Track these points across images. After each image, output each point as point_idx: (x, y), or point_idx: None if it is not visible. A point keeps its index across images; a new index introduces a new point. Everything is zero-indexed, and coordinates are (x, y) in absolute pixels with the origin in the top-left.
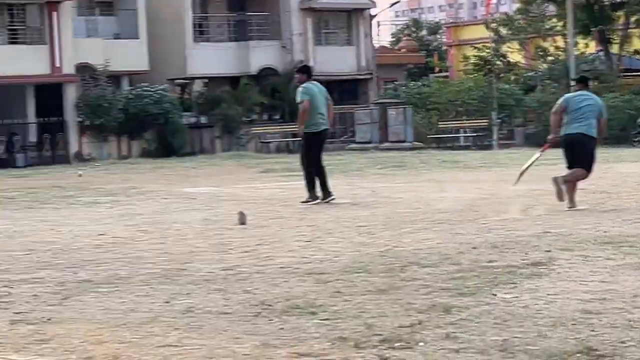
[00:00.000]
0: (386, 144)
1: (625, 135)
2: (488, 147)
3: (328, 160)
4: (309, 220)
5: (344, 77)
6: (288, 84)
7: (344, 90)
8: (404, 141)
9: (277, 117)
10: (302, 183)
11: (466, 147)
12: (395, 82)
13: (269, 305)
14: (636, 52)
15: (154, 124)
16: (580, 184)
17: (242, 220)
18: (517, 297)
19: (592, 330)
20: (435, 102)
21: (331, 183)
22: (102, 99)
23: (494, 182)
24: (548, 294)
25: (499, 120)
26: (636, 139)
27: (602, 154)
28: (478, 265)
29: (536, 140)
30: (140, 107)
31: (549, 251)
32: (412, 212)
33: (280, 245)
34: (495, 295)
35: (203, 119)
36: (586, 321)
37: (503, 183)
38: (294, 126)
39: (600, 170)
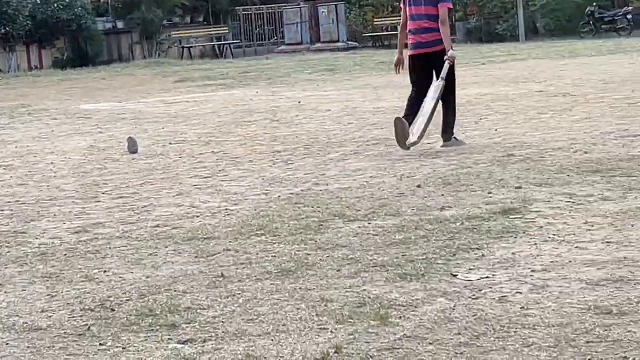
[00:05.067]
0: (318, 45)
1: (573, 26)
2: None
3: (253, 65)
4: (215, 145)
5: None
6: None
7: None
8: (337, 41)
9: (201, 19)
10: (218, 94)
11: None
12: None
13: (111, 310)
14: None
15: (67, 31)
16: (537, 87)
17: (133, 149)
18: (487, 278)
19: (624, 358)
20: None
21: (252, 93)
22: (6, 6)
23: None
24: (533, 271)
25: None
26: (584, 30)
27: (554, 48)
28: (426, 218)
29: (478, 35)
30: (50, 12)
31: (519, 188)
32: (342, 129)
33: (169, 185)
34: (456, 276)
35: (120, 24)
36: (608, 334)
37: None
38: (219, 29)
39: (557, 68)
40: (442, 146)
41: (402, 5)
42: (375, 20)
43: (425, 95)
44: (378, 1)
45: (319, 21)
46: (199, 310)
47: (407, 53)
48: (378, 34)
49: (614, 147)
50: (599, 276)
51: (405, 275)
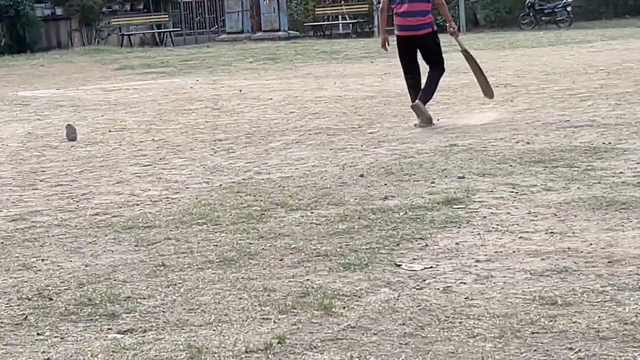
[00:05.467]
0: (259, 34)
1: (513, 18)
2: (369, 34)
3: (194, 53)
4: (156, 133)
5: None
6: None
7: None
8: (278, 30)
9: (141, 7)
10: (158, 82)
11: (346, 35)
12: None
13: (49, 300)
14: None
15: (4, 17)
16: None
17: (71, 136)
18: (431, 267)
19: (570, 349)
20: None
21: (192, 81)
22: None
23: (377, 76)
24: (477, 261)
25: (379, 5)
26: (524, 22)
27: (495, 39)
28: (369, 207)
29: None
30: None
31: (462, 177)
32: (283, 118)
33: (109, 173)
34: (399, 265)
35: (59, 11)
36: (554, 325)
37: (389, 77)
38: (160, 17)
39: (498, 59)
40: (413, 105)
41: None
42: (317, 9)
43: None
44: None
45: (260, 10)
46: (139, 300)
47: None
48: (319, 23)
49: (556, 138)
50: (543, 266)
51: (349, 265)
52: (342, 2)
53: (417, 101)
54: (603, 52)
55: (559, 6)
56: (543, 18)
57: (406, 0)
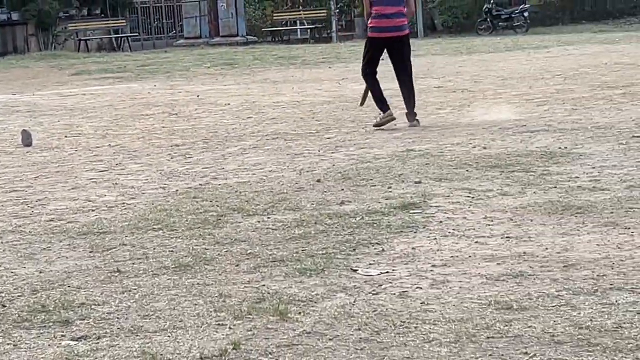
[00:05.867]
0: (217, 39)
1: (470, 23)
2: (327, 39)
3: (152, 58)
4: (112, 138)
5: None
6: None
7: None
8: (236, 35)
9: (98, 11)
10: (115, 87)
11: (304, 40)
12: None
13: (2, 306)
14: None
15: None
16: (436, 82)
17: (27, 141)
18: (387, 272)
19: (525, 354)
20: None
21: (150, 86)
22: None
23: (335, 81)
24: (433, 266)
25: (337, 10)
26: (482, 27)
27: (452, 44)
28: (326, 212)
29: None
30: None
31: (419, 182)
32: (241, 123)
33: (64, 179)
34: (356, 270)
35: (15, 16)
36: (509, 329)
37: (347, 82)
38: (117, 22)
39: (455, 64)
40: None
41: None
42: (275, 14)
43: None
44: None
45: (218, 15)
46: (93, 306)
47: (373, 34)
48: (277, 28)
49: (512, 142)
50: (499, 271)
51: (305, 270)
52: (301, 7)
53: (412, 112)
54: (559, 58)
55: (516, 12)
56: (500, 23)
57: (389, 2)
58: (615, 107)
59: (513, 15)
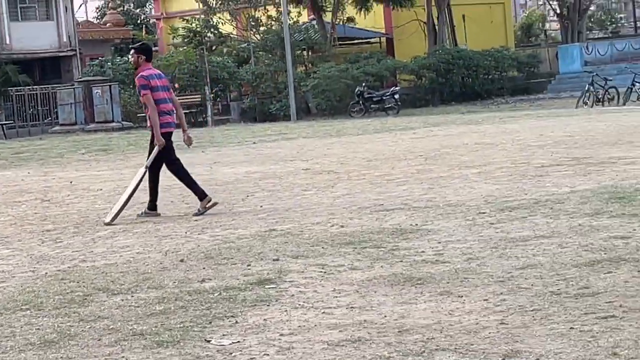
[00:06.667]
0: (92, 125)
1: (343, 106)
2: (203, 124)
3: (26, 145)
4: None
5: (45, 55)
6: None
7: (46, 68)
8: (111, 121)
9: None
10: None
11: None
12: (102, 58)
13: None
14: (349, 19)
15: None
16: (304, 165)
17: None
18: (238, 342)
19: None
20: None
21: (23, 173)
22: None
23: (207, 165)
24: (281, 335)
25: (212, 95)
26: (354, 110)
27: (324, 127)
28: (187, 290)
29: (252, 115)
30: None
31: (277, 260)
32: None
33: None
34: (209, 341)
35: None
36: None
37: (219, 166)
38: None
39: (324, 147)
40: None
41: (148, 92)
42: None
43: None
44: None
45: (93, 101)
46: None
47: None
48: None
49: (368, 221)
50: (340, 337)
51: (162, 342)
52: (176, 92)
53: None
54: (424, 139)
55: (387, 94)
56: (372, 106)
57: (170, 99)
58: (469, 186)
59: (384, 98)
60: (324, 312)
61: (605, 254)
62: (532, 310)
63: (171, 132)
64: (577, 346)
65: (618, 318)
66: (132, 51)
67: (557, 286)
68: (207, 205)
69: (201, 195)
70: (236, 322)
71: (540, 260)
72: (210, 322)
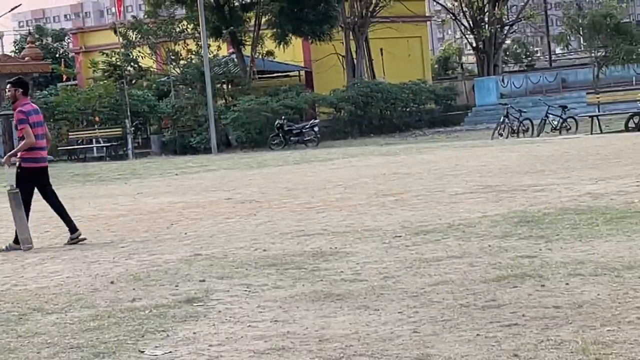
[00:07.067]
0: (13, 159)
1: (263, 138)
2: (123, 157)
3: None
4: None
5: None
6: None
7: None
8: None
9: None
10: None
11: (100, 158)
12: None
13: None
14: (269, 53)
15: None
16: (226, 195)
17: None
18: (170, 352)
19: None
20: (64, 111)
21: None
22: None
23: (130, 196)
24: (210, 346)
25: (133, 128)
26: (274, 142)
27: (244, 159)
28: (119, 308)
29: (172, 148)
30: None
31: (203, 281)
32: (39, 237)
33: None
34: (143, 352)
35: None
36: None
37: (142, 196)
38: None
39: (245, 177)
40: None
41: (26, 125)
42: (70, 133)
43: None
44: (72, 115)
45: (12, 135)
46: None
47: (31, 164)
48: (73, 147)
49: (290, 245)
50: (265, 347)
51: (99, 354)
52: (96, 126)
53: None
54: (343, 169)
55: (307, 126)
56: (292, 138)
57: (43, 135)
58: (386, 212)
59: (304, 130)
60: (249, 326)
61: (511, 271)
62: (442, 321)
63: (43, 168)
64: (482, 350)
65: (520, 326)
66: (8, 85)
67: (466, 299)
68: (15, 247)
69: (17, 238)
70: (167, 335)
71: (451, 278)
72: (143, 336)
